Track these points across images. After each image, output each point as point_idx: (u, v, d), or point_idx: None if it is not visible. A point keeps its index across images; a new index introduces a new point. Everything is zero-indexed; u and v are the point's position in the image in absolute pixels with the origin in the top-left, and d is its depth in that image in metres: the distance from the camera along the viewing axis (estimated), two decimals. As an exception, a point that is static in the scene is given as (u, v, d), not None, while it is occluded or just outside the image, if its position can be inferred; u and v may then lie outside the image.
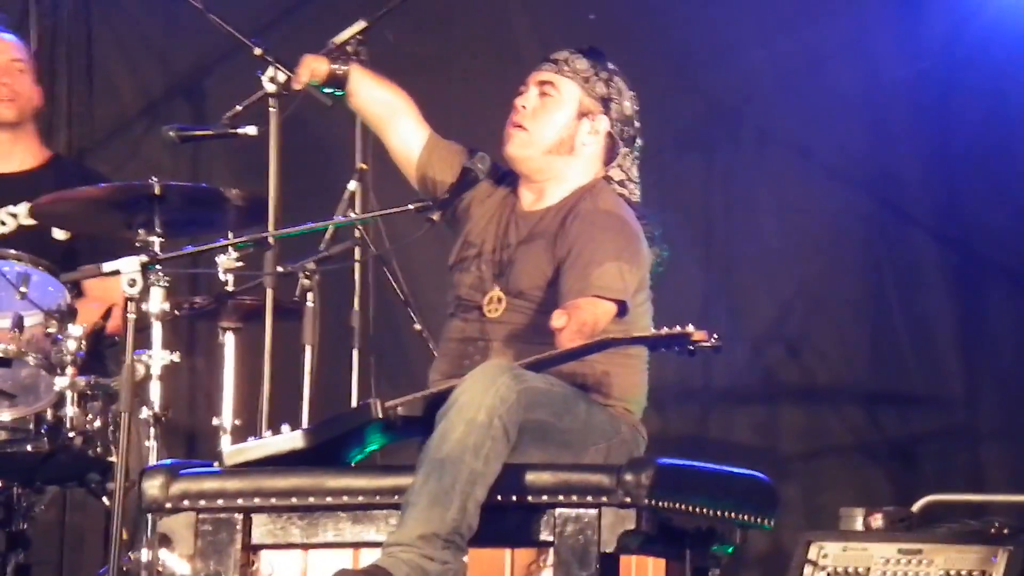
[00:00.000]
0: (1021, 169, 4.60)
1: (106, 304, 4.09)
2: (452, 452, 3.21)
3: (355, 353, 4.10)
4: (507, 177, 3.58)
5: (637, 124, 3.54)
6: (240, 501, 3.36)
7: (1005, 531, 3.74)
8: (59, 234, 4.39)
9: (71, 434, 3.96)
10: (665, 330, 3.26)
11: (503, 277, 3.48)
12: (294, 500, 3.34)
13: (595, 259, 3.38)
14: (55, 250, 4.30)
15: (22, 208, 4.40)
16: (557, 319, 3.29)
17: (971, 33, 4.63)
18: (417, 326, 4.27)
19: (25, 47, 4.60)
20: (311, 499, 3.34)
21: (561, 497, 3.25)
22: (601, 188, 3.52)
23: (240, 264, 3.88)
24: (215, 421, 4.07)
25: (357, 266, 4.12)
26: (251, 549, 3.36)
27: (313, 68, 3.62)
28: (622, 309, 3.39)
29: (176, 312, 3.96)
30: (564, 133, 3.50)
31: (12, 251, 4.09)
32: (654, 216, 3.52)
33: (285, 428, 3.42)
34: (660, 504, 3.25)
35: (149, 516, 3.57)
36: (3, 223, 4.39)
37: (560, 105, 3.49)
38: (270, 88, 4.03)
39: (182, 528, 3.35)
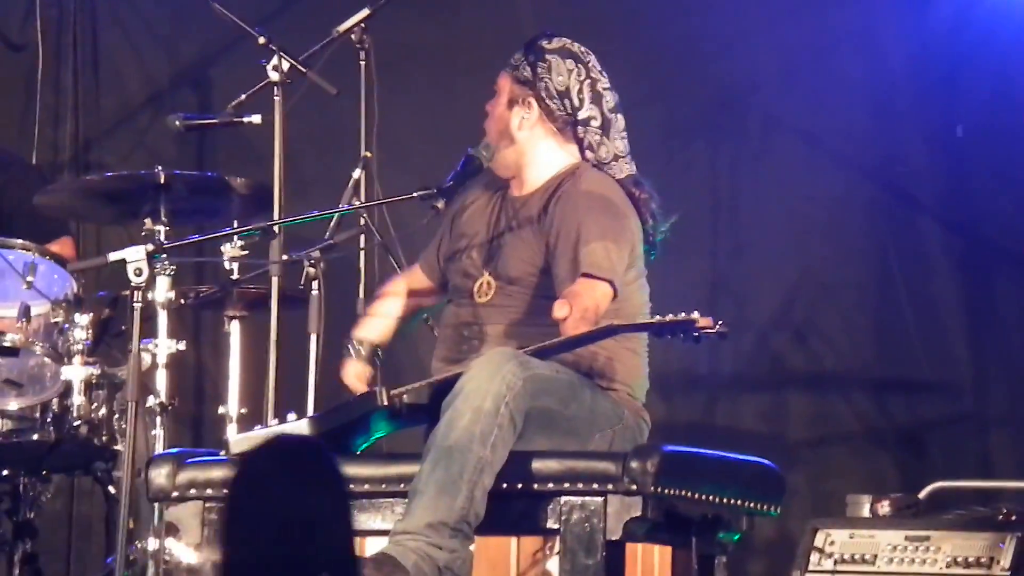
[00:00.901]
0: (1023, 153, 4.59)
1: None
2: (459, 440, 3.21)
3: (361, 341, 4.08)
4: (495, 175, 3.59)
5: (582, 96, 3.51)
6: (246, 489, 3.35)
7: (1013, 517, 3.73)
8: None
9: (77, 423, 3.96)
10: (670, 317, 3.25)
11: (492, 263, 3.50)
12: (300, 488, 3.34)
13: (581, 239, 3.40)
14: None
15: None
16: (559, 309, 3.30)
17: (975, 19, 4.61)
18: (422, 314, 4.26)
19: None
20: (317, 487, 3.33)
21: (567, 485, 3.25)
22: (584, 169, 3.53)
23: (245, 253, 3.87)
24: (221, 410, 4.07)
25: (362, 254, 4.12)
26: (257, 537, 3.36)
27: (358, 375, 3.57)
28: (613, 289, 3.39)
29: (182, 301, 3.96)
30: (501, 125, 3.55)
31: (19, 241, 4.08)
32: (659, 211, 3.52)
33: (291, 416, 3.42)
34: (666, 491, 3.24)
35: (156, 505, 3.57)
36: None
37: (498, 101, 3.56)
38: (274, 77, 4.03)
39: (189, 517, 3.35)
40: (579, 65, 3.53)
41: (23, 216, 4.24)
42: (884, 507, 3.83)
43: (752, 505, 3.40)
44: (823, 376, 4.68)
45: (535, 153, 3.54)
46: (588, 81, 3.53)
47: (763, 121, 4.75)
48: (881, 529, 3.78)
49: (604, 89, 3.55)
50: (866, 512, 3.85)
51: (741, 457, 3.46)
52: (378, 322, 3.63)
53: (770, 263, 4.71)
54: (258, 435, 3.43)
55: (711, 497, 3.33)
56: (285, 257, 3.77)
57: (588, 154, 3.54)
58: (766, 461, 3.49)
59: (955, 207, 4.66)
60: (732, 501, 3.37)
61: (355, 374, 3.57)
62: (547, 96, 3.52)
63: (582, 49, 3.56)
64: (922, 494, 3.93)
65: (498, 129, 3.55)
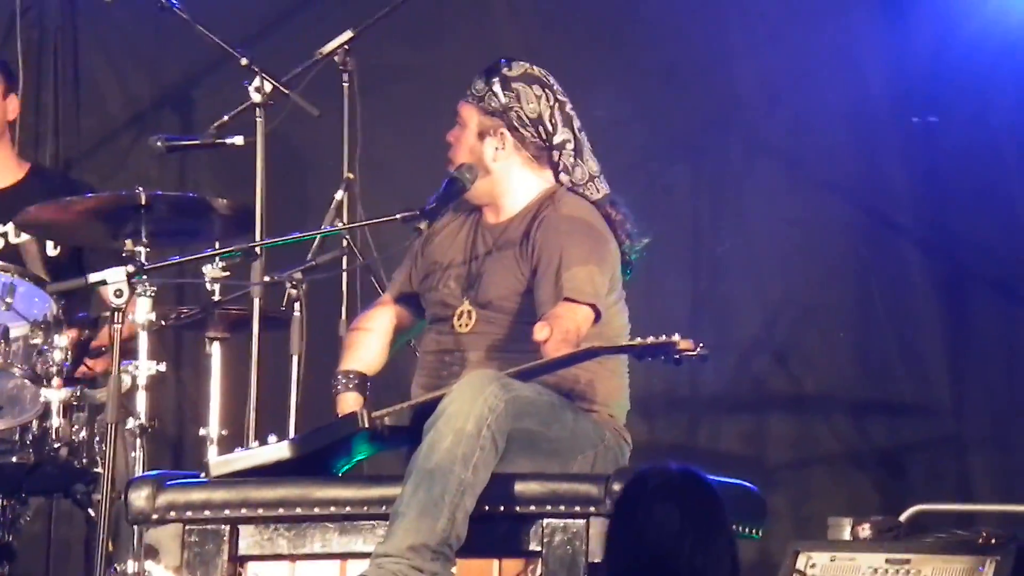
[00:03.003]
0: (1006, 178, 4.62)
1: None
2: (441, 462, 3.21)
3: (342, 363, 4.09)
4: (467, 199, 3.58)
5: (554, 120, 3.53)
6: (227, 512, 3.35)
7: (993, 541, 3.73)
8: (51, 249, 4.36)
9: (56, 445, 3.93)
10: (651, 339, 3.26)
11: (472, 290, 3.50)
12: (281, 511, 3.34)
13: (563, 264, 3.41)
14: (48, 265, 4.27)
15: (10, 226, 4.38)
16: (540, 331, 3.30)
17: (956, 45, 4.64)
18: (404, 336, 4.25)
19: None
20: (298, 510, 3.33)
21: (549, 507, 3.25)
22: (562, 194, 3.55)
23: (227, 274, 3.87)
24: (201, 432, 4.06)
25: (344, 275, 4.12)
26: (238, 560, 3.35)
27: (356, 403, 3.55)
28: (596, 314, 3.40)
29: (163, 322, 3.94)
30: (472, 158, 3.54)
31: (-1, 263, 4.08)
32: (635, 232, 3.54)
33: (272, 438, 3.42)
34: (648, 514, 3.23)
35: (135, 527, 3.56)
36: None
37: (464, 133, 3.56)
38: (257, 98, 4.04)
39: (168, 539, 3.34)
40: (546, 90, 3.54)
41: (82, 252, 4.25)
42: (865, 530, 3.84)
43: (734, 527, 3.40)
44: (804, 398, 4.69)
45: (510, 181, 3.54)
46: (557, 104, 3.54)
47: (745, 143, 4.77)
48: (862, 552, 3.78)
49: (571, 110, 3.56)
50: (847, 535, 3.85)
51: (723, 479, 3.46)
52: (362, 354, 3.61)
53: (751, 285, 4.73)
54: (238, 457, 3.42)
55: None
56: (267, 278, 3.77)
57: (563, 177, 3.56)
58: (748, 483, 3.49)
59: (935, 230, 4.68)
60: (714, 524, 3.36)
61: (352, 402, 3.55)
62: (520, 125, 3.53)
63: (543, 72, 3.57)
64: (903, 517, 3.94)
65: (471, 161, 3.55)
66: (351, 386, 3.55)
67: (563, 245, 3.43)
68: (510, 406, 3.26)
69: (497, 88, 3.52)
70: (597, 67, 4.55)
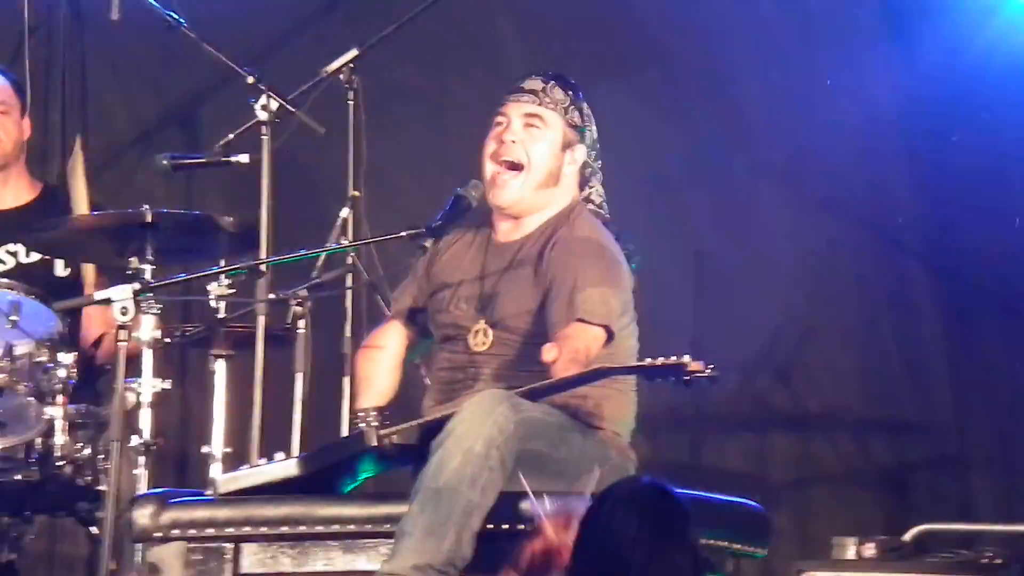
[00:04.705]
0: (1010, 198, 4.62)
1: (102, 330, 4.08)
2: (449, 482, 3.20)
3: (346, 381, 4.09)
4: (472, 215, 3.57)
5: (598, 144, 3.55)
6: (230, 530, 3.35)
7: (997, 561, 3.73)
8: (60, 270, 4.37)
9: (60, 463, 3.93)
10: (661, 360, 3.26)
11: (488, 309, 3.48)
12: (285, 529, 3.33)
13: (577, 286, 3.40)
14: (57, 286, 4.29)
15: (21, 246, 4.39)
16: (548, 352, 3.30)
17: (962, 64, 4.65)
18: (409, 354, 4.26)
19: (7, 82, 4.53)
20: (302, 528, 3.33)
21: (553, 526, 3.23)
22: (578, 213, 3.54)
23: (232, 291, 3.87)
24: (205, 449, 4.05)
25: (349, 293, 4.12)
26: (241, 578, 3.35)
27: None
28: (608, 335, 3.39)
29: (167, 339, 3.95)
30: (552, 165, 3.52)
31: (4, 280, 4.08)
32: (628, 235, 3.55)
33: (279, 456, 3.42)
34: (652, 533, 3.23)
35: (139, 545, 3.56)
36: (3, 262, 4.37)
37: (548, 138, 3.52)
38: (263, 116, 4.05)
39: (172, 557, 3.34)
40: (592, 113, 3.56)
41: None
42: (869, 549, 3.83)
43: (738, 546, 3.40)
44: (808, 417, 4.69)
45: (559, 197, 3.53)
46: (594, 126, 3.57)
47: (750, 163, 4.78)
48: (866, 571, 3.78)
49: None
50: (851, 554, 3.84)
51: (727, 498, 3.46)
52: (377, 386, 3.60)
53: (755, 303, 4.73)
54: (246, 474, 3.42)
55: (697, 538, 3.32)
56: (272, 296, 3.77)
57: (596, 195, 3.56)
58: (752, 502, 3.49)
59: (939, 250, 4.69)
60: (718, 542, 3.37)
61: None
62: (590, 145, 3.54)
63: None
64: (907, 537, 3.93)
65: (548, 170, 3.51)
66: (374, 423, 3.51)
67: (577, 267, 3.42)
68: (520, 428, 3.26)
69: (577, 103, 3.52)
70: (601, 88, 4.55)
